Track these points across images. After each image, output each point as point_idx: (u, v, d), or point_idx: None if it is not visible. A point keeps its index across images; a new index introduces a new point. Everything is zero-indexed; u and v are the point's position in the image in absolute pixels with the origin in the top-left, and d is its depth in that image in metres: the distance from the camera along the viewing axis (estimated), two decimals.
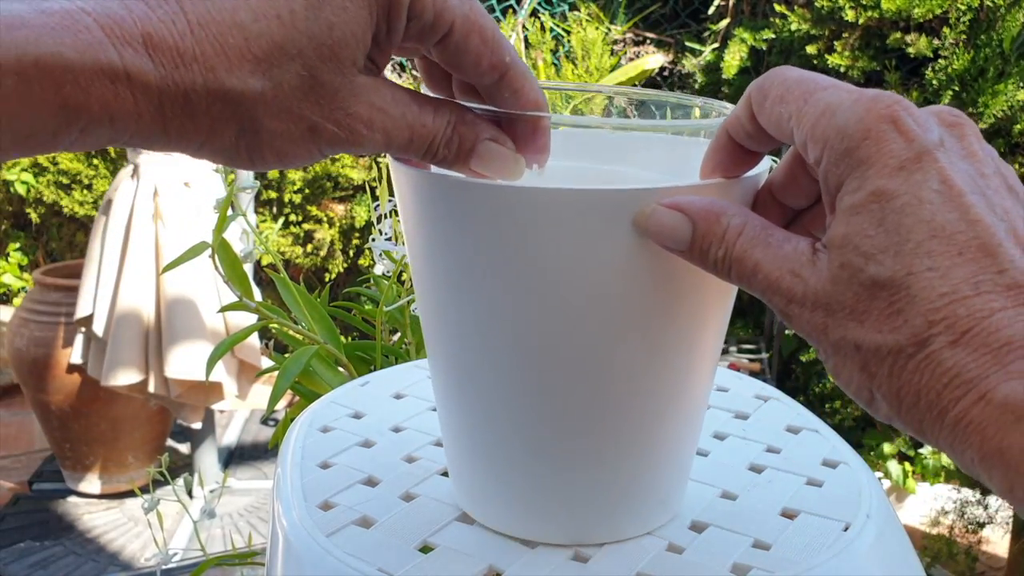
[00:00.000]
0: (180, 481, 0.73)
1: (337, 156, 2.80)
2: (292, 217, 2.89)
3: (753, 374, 1.85)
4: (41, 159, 2.92)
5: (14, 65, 0.27)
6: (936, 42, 2.29)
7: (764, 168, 0.38)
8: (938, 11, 2.24)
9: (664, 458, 0.41)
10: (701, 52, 2.63)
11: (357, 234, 2.88)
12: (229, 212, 0.69)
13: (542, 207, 0.34)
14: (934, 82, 2.29)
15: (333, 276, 2.89)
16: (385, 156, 0.46)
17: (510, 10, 2.84)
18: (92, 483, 2.37)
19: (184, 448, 2.61)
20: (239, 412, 2.88)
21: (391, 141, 0.34)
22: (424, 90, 0.38)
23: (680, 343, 0.38)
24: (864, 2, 2.31)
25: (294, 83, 0.31)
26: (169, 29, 0.29)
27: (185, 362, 2.04)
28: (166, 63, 0.29)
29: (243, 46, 0.30)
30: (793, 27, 2.43)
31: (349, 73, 0.32)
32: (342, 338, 0.71)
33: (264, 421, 2.83)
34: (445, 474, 0.46)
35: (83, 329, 2.19)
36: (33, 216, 3.05)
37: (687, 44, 2.68)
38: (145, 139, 0.30)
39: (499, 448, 0.40)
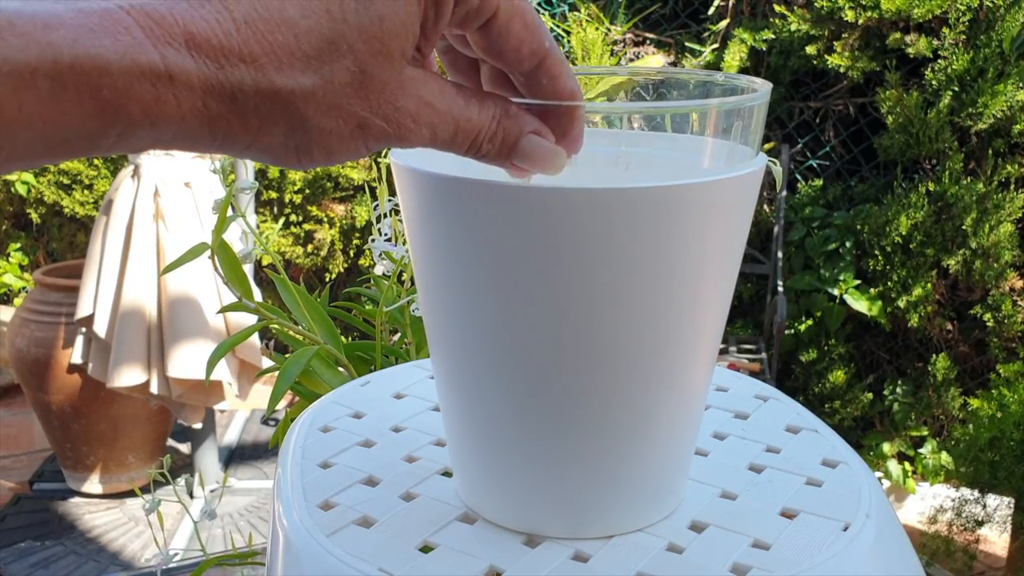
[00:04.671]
0: (181, 481, 0.73)
1: None
2: (292, 217, 2.89)
3: (753, 374, 1.85)
4: None
5: (50, 68, 0.26)
6: (936, 42, 2.29)
7: (761, 165, 0.38)
8: (938, 11, 2.24)
9: (664, 452, 0.41)
10: (701, 53, 2.63)
11: (357, 234, 2.88)
12: (229, 213, 0.69)
13: (544, 205, 0.34)
14: (934, 82, 2.29)
15: (333, 276, 2.89)
16: (386, 156, 0.46)
17: None
18: (93, 483, 2.37)
19: (184, 448, 2.61)
20: (239, 412, 2.88)
21: (436, 136, 0.33)
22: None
23: (680, 337, 0.38)
24: (864, 2, 2.31)
25: (344, 79, 0.30)
26: (213, 28, 0.28)
27: (188, 362, 2.04)
28: (210, 63, 0.28)
29: (292, 43, 0.29)
30: (793, 27, 2.43)
31: (398, 66, 0.31)
32: (342, 338, 0.71)
33: (264, 421, 2.83)
34: (445, 474, 0.46)
35: (83, 329, 2.19)
36: (34, 216, 3.06)
37: (687, 45, 2.68)
38: (188, 141, 0.29)
39: (502, 443, 0.40)
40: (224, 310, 0.73)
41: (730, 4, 2.63)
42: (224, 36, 0.28)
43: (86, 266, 2.16)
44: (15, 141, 0.26)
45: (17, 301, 3.11)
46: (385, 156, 0.48)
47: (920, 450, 2.43)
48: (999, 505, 2.06)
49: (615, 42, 2.70)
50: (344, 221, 2.88)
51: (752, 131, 0.39)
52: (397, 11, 0.30)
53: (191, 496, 2.33)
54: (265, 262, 2.24)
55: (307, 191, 2.86)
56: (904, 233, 2.33)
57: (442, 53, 0.37)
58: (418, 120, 0.32)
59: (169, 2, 0.28)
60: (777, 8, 2.48)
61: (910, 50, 2.30)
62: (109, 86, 0.27)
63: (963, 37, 2.26)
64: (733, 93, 0.42)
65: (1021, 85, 2.19)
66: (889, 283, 2.39)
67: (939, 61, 2.28)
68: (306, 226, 2.89)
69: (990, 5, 2.21)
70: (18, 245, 3.18)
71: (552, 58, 0.34)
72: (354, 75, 0.30)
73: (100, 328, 2.09)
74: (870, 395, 2.46)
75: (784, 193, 2.51)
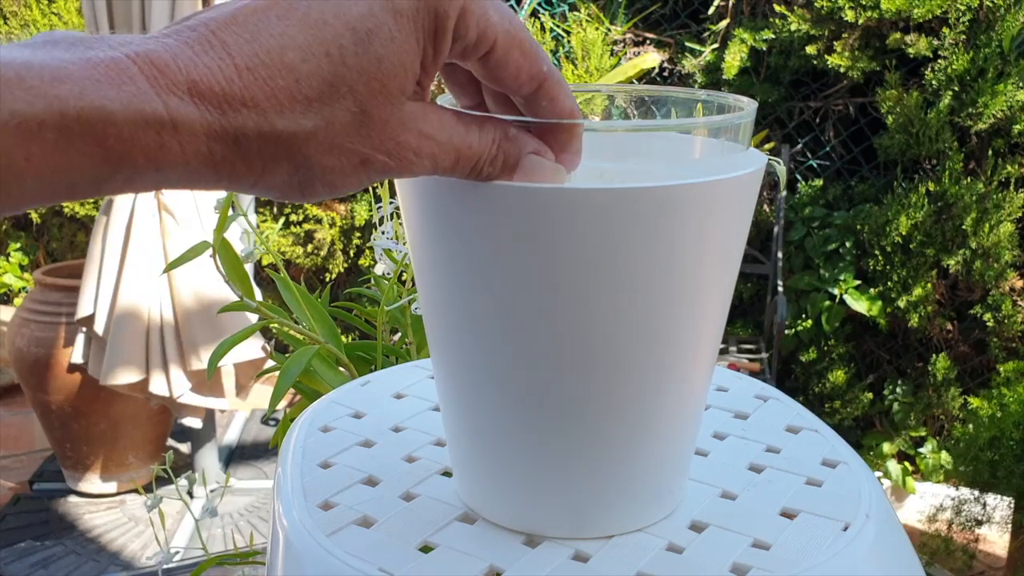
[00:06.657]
0: (182, 480, 0.73)
1: None
2: (293, 217, 2.89)
3: (753, 374, 1.85)
4: None
5: (57, 120, 0.27)
6: (936, 42, 2.29)
7: (761, 165, 0.38)
8: (938, 11, 2.24)
9: (664, 452, 0.41)
10: (701, 52, 2.64)
11: (358, 234, 2.88)
12: (230, 212, 0.69)
13: (544, 206, 0.34)
14: (934, 82, 2.29)
15: (334, 276, 2.89)
16: None
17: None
18: (93, 483, 2.37)
19: (185, 448, 2.61)
20: (239, 412, 2.88)
21: (438, 165, 0.34)
22: (443, 100, 0.38)
23: (680, 337, 0.38)
24: (864, 2, 2.31)
25: (345, 119, 0.31)
26: (215, 75, 0.29)
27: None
28: (213, 110, 0.29)
29: (294, 87, 0.30)
30: (793, 27, 2.43)
31: (398, 103, 0.32)
32: (343, 338, 0.72)
33: (265, 421, 2.83)
34: (445, 474, 0.46)
35: (84, 329, 2.19)
36: (34, 216, 3.06)
37: (687, 45, 2.68)
38: (194, 182, 0.30)
39: (502, 444, 0.40)
40: (225, 309, 0.73)
41: (730, 4, 2.63)
42: (226, 83, 0.29)
43: (86, 266, 2.16)
44: (23, 188, 0.27)
45: (17, 301, 3.11)
46: None
47: (920, 450, 2.43)
48: (999, 505, 2.06)
49: (615, 42, 2.70)
50: (344, 221, 2.88)
51: (740, 142, 0.39)
52: (396, 51, 0.31)
53: (191, 496, 2.33)
54: (266, 262, 2.24)
55: None
56: (904, 233, 2.33)
57: (440, 67, 0.38)
58: (419, 153, 0.33)
59: (173, 49, 0.29)
60: (777, 8, 2.48)
61: (910, 50, 2.30)
62: (114, 135, 0.28)
63: (963, 37, 2.26)
64: (721, 111, 0.42)
65: (1021, 85, 2.19)
66: (889, 283, 2.39)
67: (939, 61, 2.28)
68: (306, 226, 2.89)
69: (990, 5, 2.21)
70: (18, 245, 3.18)
71: (550, 81, 0.35)
72: (355, 115, 0.31)
73: (100, 328, 2.09)
74: (870, 395, 2.46)
75: (784, 193, 2.51)
